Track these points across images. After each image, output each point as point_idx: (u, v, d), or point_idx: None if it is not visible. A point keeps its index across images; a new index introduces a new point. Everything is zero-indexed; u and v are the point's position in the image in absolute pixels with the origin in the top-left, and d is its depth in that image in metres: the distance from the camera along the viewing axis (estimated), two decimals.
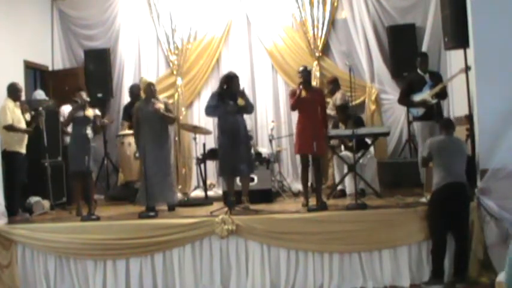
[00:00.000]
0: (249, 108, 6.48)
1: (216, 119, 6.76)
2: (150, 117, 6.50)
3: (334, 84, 7.78)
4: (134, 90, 7.96)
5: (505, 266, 2.50)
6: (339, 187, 7.00)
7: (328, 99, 7.72)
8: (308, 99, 6.24)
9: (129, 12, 8.94)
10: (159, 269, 5.83)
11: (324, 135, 6.35)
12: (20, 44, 7.93)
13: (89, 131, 6.60)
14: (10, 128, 6.59)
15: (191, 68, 8.85)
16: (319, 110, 6.34)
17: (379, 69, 8.39)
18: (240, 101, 6.26)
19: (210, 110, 6.43)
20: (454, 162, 5.47)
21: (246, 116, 6.65)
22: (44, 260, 6.03)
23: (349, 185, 6.91)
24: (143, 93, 6.81)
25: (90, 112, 6.65)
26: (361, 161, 6.76)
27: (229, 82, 6.35)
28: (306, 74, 6.37)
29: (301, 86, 6.28)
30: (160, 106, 6.50)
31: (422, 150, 6.00)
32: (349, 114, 6.91)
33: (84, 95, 6.77)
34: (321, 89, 6.74)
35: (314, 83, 8.22)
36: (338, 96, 7.60)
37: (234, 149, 6.20)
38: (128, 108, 7.85)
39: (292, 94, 6.37)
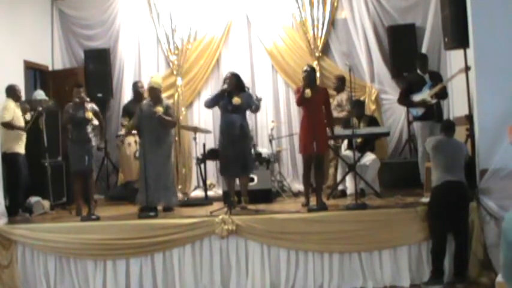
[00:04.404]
0: (253, 107, 6.48)
1: (216, 119, 6.76)
2: (151, 118, 6.49)
3: (341, 81, 7.74)
4: (136, 88, 7.97)
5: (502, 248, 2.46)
6: (340, 187, 6.99)
7: (330, 99, 7.70)
8: (312, 99, 6.22)
9: (129, 12, 8.94)
10: (159, 269, 5.82)
11: (327, 135, 6.32)
12: (20, 44, 7.92)
13: (90, 131, 6.63)
14: (7, 126, 6.62)
15: (191, 68, 8.84)
16: (323, 109, 6.32)
17: (379, 69, 8.39)
18: (236, 100, 6.24)
19: (207, 100, 6.52)
20: (452, 162, 5.47)
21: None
22: (44, 260, 6.02)
23: (350, 185, 6.91)
24: (147, 94, 6.80)
25: (90, 114, 6.64)
26: (364, 162, 6.76)
27: (224, 81, 6.40)
28: (307, 74, 6.31)
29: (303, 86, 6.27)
30: (159, 110, 6.44)
31: (426, 147, 6.01)
32: (364, 111, 6.89)
33: (82, 92, 6.72)
34: (326, 89, 6.70)
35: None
36: (344, 97, 7.59)
37: (232, 148, 6.20)
38: (128, 106, 7.84)
39: (297, 91, 6.36)
